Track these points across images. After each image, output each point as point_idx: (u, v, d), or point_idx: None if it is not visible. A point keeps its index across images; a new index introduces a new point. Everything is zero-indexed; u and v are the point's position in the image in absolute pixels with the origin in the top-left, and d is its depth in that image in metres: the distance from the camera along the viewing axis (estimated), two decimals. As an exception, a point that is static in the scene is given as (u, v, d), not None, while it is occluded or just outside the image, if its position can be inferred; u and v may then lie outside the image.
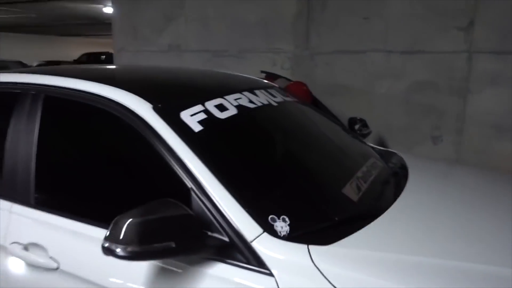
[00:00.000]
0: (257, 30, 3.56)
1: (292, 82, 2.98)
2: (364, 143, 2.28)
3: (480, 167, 2.72)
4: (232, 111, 1.45)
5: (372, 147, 2.30)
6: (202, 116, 1.30)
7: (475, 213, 1.39)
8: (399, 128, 3.11)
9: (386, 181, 1.67)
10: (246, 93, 1.68)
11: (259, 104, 1.66)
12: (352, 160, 1.88)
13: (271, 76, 3.00)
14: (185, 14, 3.92)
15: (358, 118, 2.71)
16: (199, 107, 1.34)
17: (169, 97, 1.38)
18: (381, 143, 3.17)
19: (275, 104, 1.79)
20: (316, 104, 2.81)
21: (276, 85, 2.26)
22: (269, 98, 1.81)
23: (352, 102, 3.26)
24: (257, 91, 1.79)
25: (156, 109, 1.23)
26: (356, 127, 2.67)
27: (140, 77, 1.71)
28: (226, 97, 1.52)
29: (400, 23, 2.99)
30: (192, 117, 1.27)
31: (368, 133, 2.75)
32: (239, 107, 1.51)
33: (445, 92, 2.91)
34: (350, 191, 1.39)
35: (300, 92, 2.77)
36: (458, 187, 1.72)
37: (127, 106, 1.24)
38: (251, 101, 1.63)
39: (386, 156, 2.19)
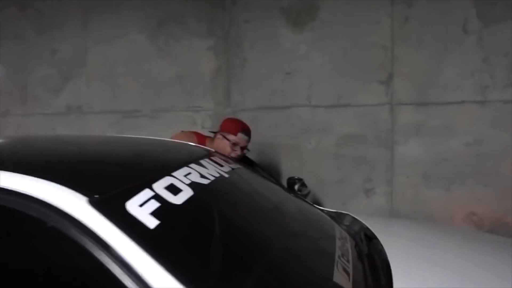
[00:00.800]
0: (173, 88, 3.33)
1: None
2: (315, 207, 2.13)
3: (421, 219, 2.74)
4: (187, 192, 1.17)
5: (322, 210, 2.16)
6: (154, 204, 1.00)
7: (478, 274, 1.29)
8: (332, 183, 3.05)
9: (366, 256, 1.49)
10: (193, 165, 1.41)
11: (211, 178, 1.41)
12: (321, 234, 1.68)
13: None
14: (86, 72, 3.53)
15: (296, 177, 2.57)
16: (147, 193, 1.03)
17: (105, 182, 1.04)
18: (317, 200, 3.07)
19: (226, 175, 1.54)
20: (247, 161, 2.61)
21: (213, 150, 2.03)
22: (218, 168, 1.57)
23: (282, 159, 3.14)
24: (203, 161, 1.54)
25: (93, 202, 0.90)
26: (296, 187, 2.52)
27: (52, 155, 1.31)
28: (174, 173, 1.24)
29: (323, 78, 3.02)
30: (142, 208, 0.96)
31: (308, 193, 2.62)
32: (193, 185, 1.23)
33: (373, 144, 2.95)
34: (341, 278, 1.17)
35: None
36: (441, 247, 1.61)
37: (49, 202, 0.88)
38: (202, 176, 1.36)
39: (342, 220, 2.06)
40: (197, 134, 2.41)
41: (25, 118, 3.73)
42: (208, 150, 1.97)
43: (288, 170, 3.12)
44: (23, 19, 3.65)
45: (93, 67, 3.51)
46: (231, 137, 2.31)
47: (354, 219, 2.06)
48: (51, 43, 3.59)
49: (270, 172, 3.16)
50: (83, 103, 3.56)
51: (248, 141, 2.38)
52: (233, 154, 2.27)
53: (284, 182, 2.54)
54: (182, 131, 2.47)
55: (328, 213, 2.11)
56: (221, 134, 2.34)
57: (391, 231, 2.02)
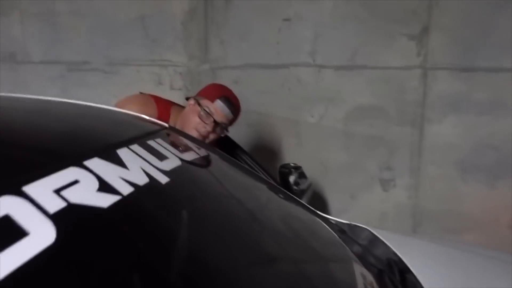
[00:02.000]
0: (133, 33, 2.54)
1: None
2: (317, 217, 1.46)
3: (453, 221, 2.11)
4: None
5: (326, 220, 1.50)
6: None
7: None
8: (338, 168, 2.37)
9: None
10: (97, 160, 0.71)
11: (124, 189, 0.70)
12: (330, 275, 1.03)
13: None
14: (20, 7, 2.71)
15: (292, 165, 1.87)
16: None
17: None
18: (318, 192, 2.40)
19: (163, 179, 0.85)
20: (228, 145, 1.90)
21: (166, 125, 1.33)
22: (154, 163, 0.87)
23: (275, 137, 2.44)
24: (134, 147, 0.86)
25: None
26: (291, 179, 1.83)
27: None
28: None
29: (333, 27, 2.27)
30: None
31: (308, 187, 1.94)
32: (62, 214, 0.53)
33: (396, 120, 2.25)
34: None
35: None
36: None
37: None
38: (104, 187, 0.66)
39: (358, 238, 1.41)
40: (157, 99, 1.67)
41: None
42: (157, 126, 1.26)
43: (282, 152, 2.43)
44: None
45: (28, 2, 2.69)
46: (205, 102, 1.58)
47: (375, 239, 1.41)
48: (-27, -33, 2.74)
49: (256, 155, 2.46)
50: (17, 50, 2.77)
51: (230, 118, 1.66)
52: (201, 130, 1.56)
53: (276, 171, 1.85)
54: (140, 93, 1.73)
55: (337, 227, 1.45)
56: (194, 99, 1.61)
57: (427, 260, 1.38)
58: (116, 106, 1.59)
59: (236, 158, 1.82)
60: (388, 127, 2.28)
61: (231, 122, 1.68)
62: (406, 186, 2.29)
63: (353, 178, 2.36)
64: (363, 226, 1.44)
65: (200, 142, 1.42)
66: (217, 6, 2.40)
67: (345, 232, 1.45)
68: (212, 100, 1.58)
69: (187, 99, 1.66)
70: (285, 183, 1.77)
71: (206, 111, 1.56)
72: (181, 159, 1.14)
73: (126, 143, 0.99)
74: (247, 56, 2.40)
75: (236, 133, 2.45)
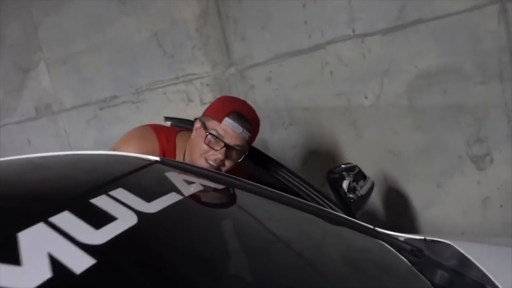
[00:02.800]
0: (150, 53, 2.34)
1: None
2: (377, 234, 1.09)
3: None
4: None
5: (390, 237, 1.11)
6: None
7: None
8: (412, 154, 1.92)
9: None
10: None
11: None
12: None
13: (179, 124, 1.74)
14: (44, 56, 2.66)
15: (343, 167, 1.49)
16: None
17: None
18: (392, 185, 1.98)
19: (144, 228, 0.69)
20: (255, 160, 1.55)
21: (156, 159, 1.05)
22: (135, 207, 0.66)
23: (325, 132, 2.06)
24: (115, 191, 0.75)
25: None
26: (345, 185, 1.45)
27: None
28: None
29: (368, -16, 1.84)
30: None
31: (371, 189, 1.54)
32: None
33: (477, 78, 1.75)
34: None
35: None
36: None
37: None
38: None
39: (442, 257, 1.02)
40: (158, 129, 1.37)
41: (-4, 132, 3.01)
42: (144, 161, 1.00)
43: (339, 148, 2.04)
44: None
45: (48, 50, 2.63)
46: (212, 124, 1.25)
47: (463, 258, 0.99)
48: (-4, 29, 2.76)
49: (308, 160, 2.11)
50: (51, 100, 2.73)
51: (246, 137, 1.27)
52: (211, 159, 1.23)
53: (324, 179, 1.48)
54: (146, 125, 1.46)
55: (408, 246, 1.06)
56: (200, 121, 1.31)
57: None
58: (113, 148, 1.36)
59: (270, 174, 1.49)
60: (468, 89, 1.78)
61: (249, 141, 1.30)
62: (509, 158, 1.76)
63: (435, 162, 1.88)
64: (445, 241, 1.03)
65: (204, 171, 1.12)
66: (228, -1, 2.10)
67: (422, 251, 1.05)
68: (220, 120, 1.23)
69: (194, 120, 1.36)
70: (337, 193, 1.39)
71: (214, 134, 1.23)
72: (180, 194, 0.87)
73: (104, 189, 0.78)
74: (275, 46, 2.06)
75: (279, 137, 2.12)
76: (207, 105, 1.35)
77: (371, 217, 2.06)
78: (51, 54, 2.64)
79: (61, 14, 2.53)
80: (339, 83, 1.97)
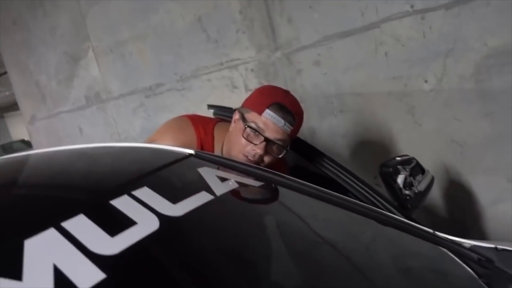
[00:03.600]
0: (195, 39, 2.27)
1: None
2: (438, 240, 0.95)
3: None
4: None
5: (453, 244, 0.97)
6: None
7: None
8: (479, 144, 1.71)
9: None
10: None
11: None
12: None
13: (222, 113, 1.66)
14: (92, 45, 2.69)
15: (398, 159, 1.33)
16: None
17: None
18: (455, 179, 1.80)
19: (167, 234, 0.65)
20: (301, 152, 1.43)
21: (191, 152, 0.98)
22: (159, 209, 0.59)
23: (380, 120, 1.89)
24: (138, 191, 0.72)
25: None
26: (400, 179, 1.30)
27: None
28: None
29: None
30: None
31: (430, 183, 1.38)
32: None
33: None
34: None
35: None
36: None
37: None
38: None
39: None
40: (195, 120, 1.30)
41: (50, 120, 3.11)
42: (176, 155, 0.94)
43: (395, 138, 1.87)
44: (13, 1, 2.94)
45: (96, 39, 2.65)
46: (251, 116, 1.17)
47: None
48: (47, 21, 2.82)
49: (360, 151, 1.97)
50: (99, 89, 2.76)
51: (288, 131, 1.18)
52: (250, 154, 1.16)
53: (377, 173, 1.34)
54: (183, 116, 1.39)
55: (476, 255, 0.91)
56: (239, 112, 1.22)
57: None
58: (149, 139, 1.30)
59: (317, 167, 1.37)
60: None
61: (291, 135, 1.21)
62: None
63: (505, 153, 1.67)
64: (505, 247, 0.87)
65: (242, 165, 1.02)
66: (273, -23, 1.97)
67: (492, 262, 0.90)
68: (260, 112, 1.15)
69: (234, 111, 1.27)
70: (392, 189, 1.25)
71: (253, 127, 1.15)
72: (211, 194, 0.79)
73: (125, 189, 0.72)
74: (324, 26, 1.91)
75: (328, 125, 1.99)
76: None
77: (431, 213, 1.88)
78: (99, 43, 2.66)
79: (107, 3, 2.53)
80: (395, 65, 1.79)
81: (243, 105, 1.22)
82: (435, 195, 1.85)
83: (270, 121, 1.14)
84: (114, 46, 2.58)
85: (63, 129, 3.04)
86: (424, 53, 1.72)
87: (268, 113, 1.15)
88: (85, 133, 2.94)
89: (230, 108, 1.49)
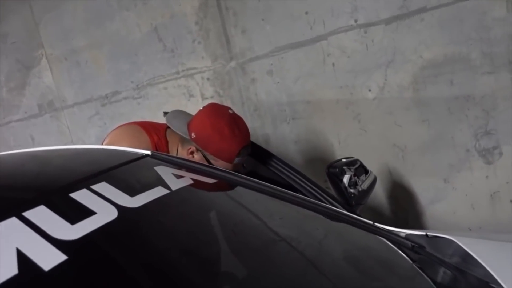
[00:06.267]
0: (151, 49, 2.31)
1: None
2: (377, 230, 1.04)
3: None
4: None
5: (391, 233, 1.07)
6: None
7: None
8: (418, 148, 1.86)
9: None
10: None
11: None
12: None
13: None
14: (45, 53, 2.66)
15: (344, 161, 1.44)
16: None
17: None
18: (392, 184, 1.93)
19: (120, 223, 0.66)
20: (253, 155, 1.51)
21: (148, 152, 1.03)
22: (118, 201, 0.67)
23: (329, 126, 2.01)
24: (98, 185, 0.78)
25: None
26: (345, 179, 1.40)
27: None
28: None
29: (370, -27, 1.78)
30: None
31: (373, 183, 1.49)
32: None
33: (485, 68, 1.68)
34: None
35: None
36: None
37: None
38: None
39: (445, 254, 0.97)
40: (146, 126, 1.35)
41: (0, 128, 3.01)
42: (135, 155, 0.98)
43: (343, 141, 1.99)
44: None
45: (50, 46, 2.62)
46: (221, 164, 1.30)
47: (467, 255, 0.94)
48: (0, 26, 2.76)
49: (311, 154, 2.07)
50: (53, 97, 2.72)
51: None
52: None
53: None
54: (132, 123, 1.44)
55: (410, 243, 1.02)
56: (200, 153, 1.31)
57: None
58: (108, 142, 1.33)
59: (269, 169, 1.45)
60: (475, 79, 1.71)
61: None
62: (519, 151, 1.70)
63: (441, 156, 1.83)
64: (447, 236, 0.98)
65: (196, 165, 1.08)
66: (227, -10, 2.06)
67: (423, 248, 1.00)
68: (231, 161, 1.30)
69: (187, 139, 1.32)
70: (338, 188, 1.35)
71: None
72: (167, 188, 0.84)
73: (86, 183, 0.75)
74: (276, 38, 2.01)
75: (281, 132, 2.08)
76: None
77: (377, 213, 2.01)
78: (53, 51, 2.63)
79: (62, 11, 2.52)
80: (341, 75, 1.92)
81: (203, 146, 1.29)
82: (380, 196, 1.98)
83: (239, 163, 1.32)
84: (69, 54, 2.57)
85: (13, 138, 2.96)
86: (367, 64, 1.86)
87: (237, 160, 1.30)
88: (38, 142, 2.88)
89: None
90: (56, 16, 2.56)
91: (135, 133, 1.33)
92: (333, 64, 1.92)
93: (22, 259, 0.56)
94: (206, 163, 1.28)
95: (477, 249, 0.90)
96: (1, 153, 1.09)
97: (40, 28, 2.63)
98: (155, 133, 1.33)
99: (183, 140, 1.33)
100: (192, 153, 1.31)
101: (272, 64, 2.04)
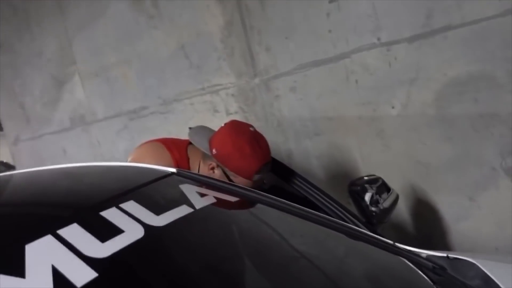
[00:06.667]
0: (178, 66, 2.39)
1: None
2: (398, 250, 1.05)
3: None
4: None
5: (412, 254, 1.07)
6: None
7: None
8: (442, 166, 1.85)
9: None
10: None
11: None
12: None
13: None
14: (78, 69, 2.78)
15: (366, 179, 1.45)
16: None
17: None
18: (421, 198, 1.91)
19: (151, 242, 0.75)
20: (276, 172, 1.54)
21: (173, 170, 1.07)
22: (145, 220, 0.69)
23: (351, 142, 2.02)
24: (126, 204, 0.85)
25: None
26: (367, 197, 1.41)
27: None
28: None
29: (393, -8, 1.80)
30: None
31: (395, 201, 1.49)
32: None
33: (509, 86, 1.67)
34: None
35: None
36: None
37: None
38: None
39: (466, 276, 0.96)
40: (168, 144, 1.41)
41: (34, 141, 3.15)
42: (161, 173, 1.02)
43: (365, 159, 1.99)
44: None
45: (82, 62, 2.74)
46: (240, 180, 1.33)
47: (487, 279, 0.93)
48: (34, 44, 2.91)
49: (333, 171, 2.08)
50: (84, 111, 2.83)
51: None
52: None
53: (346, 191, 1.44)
54: (154, 140, 1.49)
55: (431, 264, 1.02)
56: (220, 169, 1.35)
57: None
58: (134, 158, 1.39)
59: (291, 187, 1.47)
60: (500, 97, 1.69)
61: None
62: (547, 170, 1.67)
63: (466, 174, 1.80)
64: (468, 259, 0.98)
65: (221, 183, 1.12)
66: (252, 9, 2.11)
67: (445, 269, 1.00)
68: (250, 178, 1.32)
69: (208, 156, 1.36)
70: (359, 206, 1.36)
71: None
72: (191, 207, 0.88)
73: (115, 202, 0.80)
74: (299, 56, 2.05)
75: (304, 147, 2.10)
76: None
77: (401, 230, 1.99)
78: (85, 67, 2.75)
79: (93, 29, 2.63)
80: (364, 92, 1.93)
81: (224, 163, 1.32)
82: (404, 213, 1.97)
83: (259, 180, 1.34)
84: (99, 70, 2.68)
85: (46, 151, 3.09)
86: (390, 81, 1.87)
87: (256, 176, 1.33)
88: (69, 154, 3.00)
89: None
90: (88, 34, 2.67)
91: (158, 150, 1.38)
92: (356, 81, 1.94)
93: (57, 275, 0.61)
94: (226, 179, 1.32)
95: (498, 273, 0.90)
96: (34, 169, 1.15)
97: (73, 46, 2.75)
98: (176, 150, 1.38)
99: (204, 156, 1.37)
100: (212, 168, 1.34)
101: (295, 81, 2.07)
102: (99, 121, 2.77)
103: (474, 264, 0.97)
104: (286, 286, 0.86)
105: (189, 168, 1.38)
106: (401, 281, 1.04)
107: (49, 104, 2.97)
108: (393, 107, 1.90)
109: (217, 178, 1.31)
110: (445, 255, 1.05)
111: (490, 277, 0.90)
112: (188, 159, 1.38)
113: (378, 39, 1.86)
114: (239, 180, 1.31)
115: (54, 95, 2.92)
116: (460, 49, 1.73)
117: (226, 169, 1.32)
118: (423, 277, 1.01)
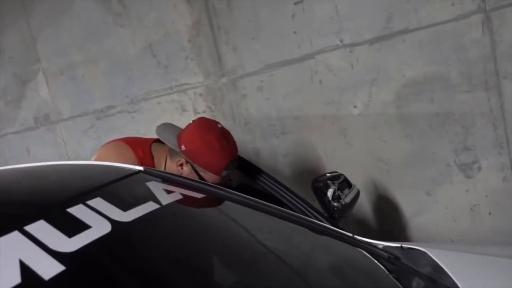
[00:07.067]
0: (145, 64, 2.39)
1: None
2: (356, 242, 1.11)
3: None
4: None
5: (369, 245, 1.13)
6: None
7: None
8: (401, 162, 1.94)
9: None
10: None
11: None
12: None
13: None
14: (42, 67, 2.72)
15: (328, 175, 1.51)
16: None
17: None
18: (383, 193, 2.00)
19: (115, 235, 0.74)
20: (241, 168, 1.58)
21: (140, 168, 1.09)
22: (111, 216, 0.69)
23: (316, 140, 2.08)
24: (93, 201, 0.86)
25: None
26: (329, 193, 1.47)
27: None
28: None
29: (355, -5, 1.88)
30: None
31: (356, 197, 1.56)
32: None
33: (463, 87, 1.77)
34: None
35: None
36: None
37: None
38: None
39: (418, 264, 1.03)
40: (131, 143, 1.42)
41: (-3, 141, 3.06)
42: (127, 171, 1.04)
43: (329, 155, 2.06)
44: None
45: (46, 61, 2.69)
46: (209, 176, 1.36)
47: (437, 265, 1.01)
48: (-4, 41, 2.83)
49: (299, 166, 2.14)
50: (49, 110, 2.78)
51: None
52: None
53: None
54: (117, 140, 1.50)
55: (386, 253, 1.08)
56: (189, 165, 1.37)
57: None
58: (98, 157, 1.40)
59: (257, 184, 1.52)
60: (454, 97, 1.80)
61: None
62: (496, 166, 1.78)
63: (424, 170, 1.90)
64: (420, 248, 1.05)
65: (187, 180, 1.15)
66: (219, 10, 2.14)
67: (399, 259, 1.07)
68: (219, 174, 1.35)
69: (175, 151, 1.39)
70: (322, 201, 1.42)
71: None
72: (158, 203, 0.90)
73: (82, 199, 0.82)
74: (265, 56, 2.10)
75: (271, 146, 2.16)
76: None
77: (363, 225, 2.08)
78: (49, 65, 2.70)
79: (59, 26, 2.59)
80: (328, 92, 2.00)
81: (192, 157, 1.34)
82: (366, 208, 2.05)
83: (227, 176, 1.37)
84: (65, 68, 2.64)
85: (9, 150, 3.01)
86: (353, 82, 1.95)
87: (225, 172, 1.36)
88: (33, 154, 2.93)
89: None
90: (53, 32, 2.63)
91: (121, 149, 1.39)
92: (320, 82, 2.01)
93: (25, 269, 0.62)
94: (195, 175, 1.35)
95: (446, 261, 0.97)
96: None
97: (38, 43, 2.70)
98: (140, 148, 1.40)
99: (172, 153, 1.39)
100: (181, 165, 1.36)
101: (262, 81, 2.12)
102: (65, 120, 2.73)
103: (425, 253, 1.04)
104: (251, 279, 0.91)
105: (154, 166, 1.40)
106: (359, 270, 1.10)
107: (12, 102, 2.90)
108: (355, 107, 1.98)
109: (186, 175, 1.34)
110: (399, 245, 1.12)
111: (439, 264, 0.98)
112: (152, 157, 1.40)
113: (341, 40, 1.94)
114: (208, 176, 1.34)
115: (17, 93, 2.85)
116: (417, 51, 1.83)
117: (195, 165, 1.35)
118: (380, 266, 1.08)
